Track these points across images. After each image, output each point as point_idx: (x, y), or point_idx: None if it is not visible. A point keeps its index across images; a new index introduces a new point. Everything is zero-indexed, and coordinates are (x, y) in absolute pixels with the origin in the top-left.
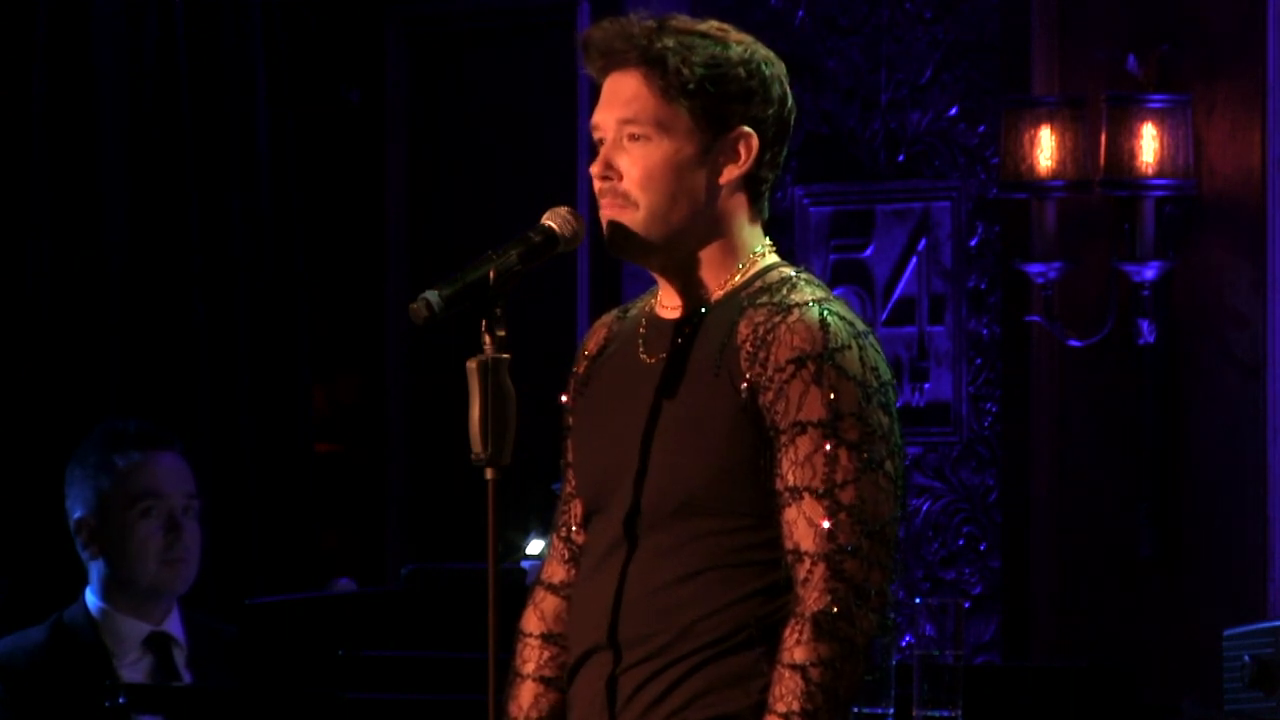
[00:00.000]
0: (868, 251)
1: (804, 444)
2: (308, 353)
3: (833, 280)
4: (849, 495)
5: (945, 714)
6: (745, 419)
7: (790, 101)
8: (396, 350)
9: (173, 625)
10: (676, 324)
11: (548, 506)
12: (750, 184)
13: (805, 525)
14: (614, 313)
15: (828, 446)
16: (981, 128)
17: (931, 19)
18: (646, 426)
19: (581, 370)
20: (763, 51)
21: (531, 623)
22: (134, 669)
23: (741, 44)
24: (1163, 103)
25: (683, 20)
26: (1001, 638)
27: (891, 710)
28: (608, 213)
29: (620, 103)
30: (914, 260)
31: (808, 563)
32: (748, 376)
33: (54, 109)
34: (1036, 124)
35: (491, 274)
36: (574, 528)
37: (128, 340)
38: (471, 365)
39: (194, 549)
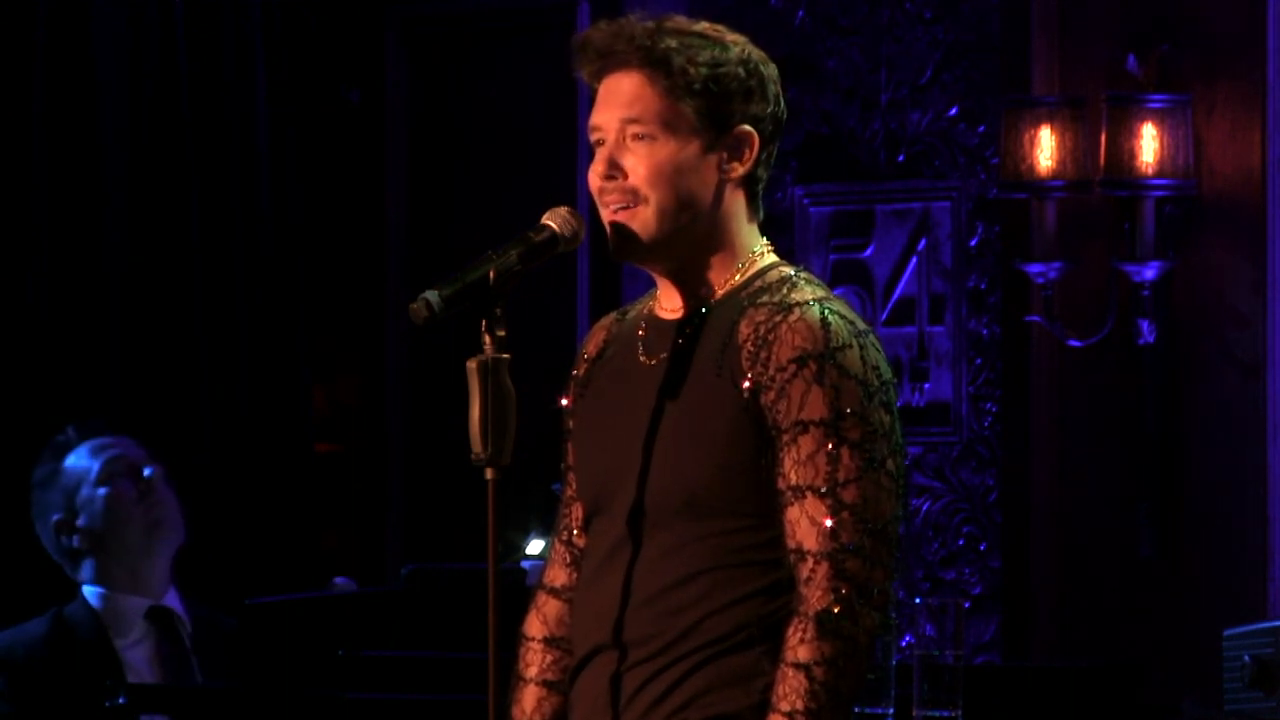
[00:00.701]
0: (868, 251)
1: (806, 443)
2: (308, 353)
3: (833, 280)
4: (851, 494)
5: (945, 714)
6: (747, 419)
7: (783, 101)
8: (396, 350)
9: (172, 600)
10: (677, 325)
11: (548, 507)
12: (749, 183)
13: (808, 524)
14: (613, 315)
15: (830, 446)
16: (981, 128)
17: (931, 19)
18: (648, 428)
19: (581, 373)
20: (758, 52)
21: (534, 626)
22: (137, 649)
23: (737, 44)
24: (1163, 103)
25: (680, 21)
26: (1001, 638)
27: (891, 710)
28: (611, 213)
29: (623, 103)
30: (914, 260)
31: (810, 562)
32: (749, 376)
33: (54, 109)
34: (1036, 124)
35: (491, 274)
36: (575, 531)
37: (128, 340)
38: (471, 365)
39: (170, 504)
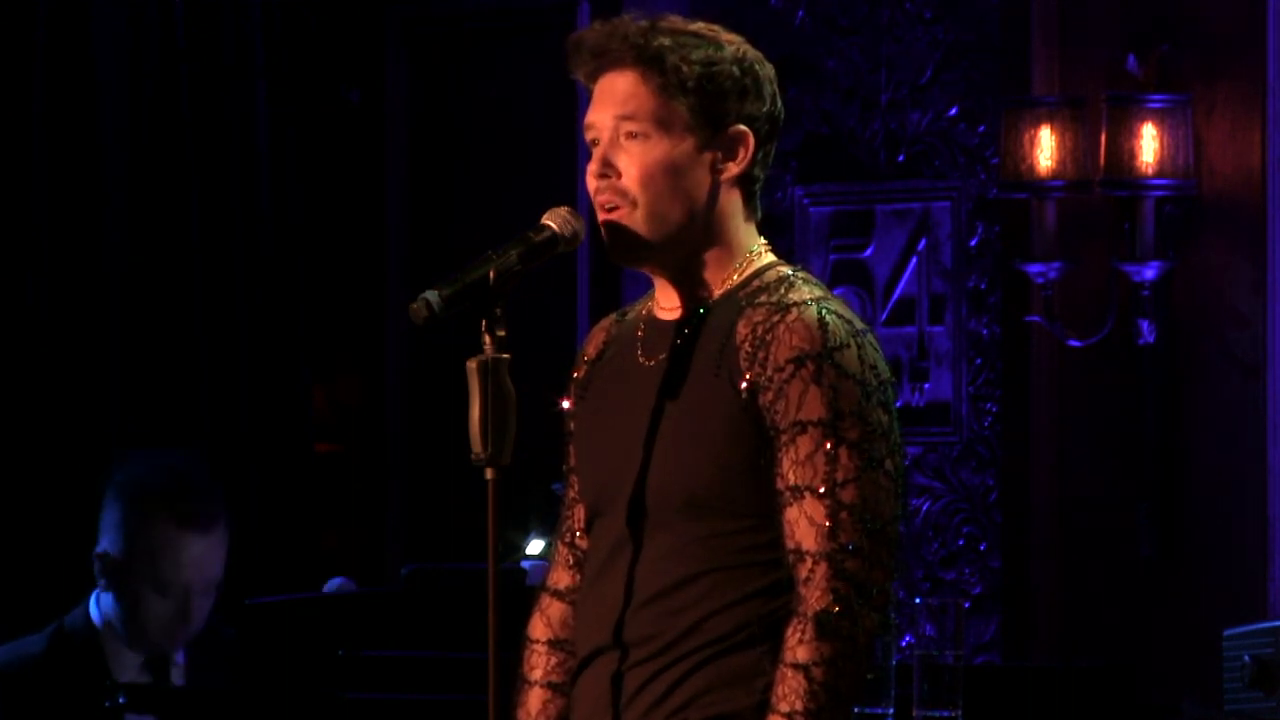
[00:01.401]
0: (868, 251)
1: (804, 443)
2: (308, 353)
3: (833, 280)
4: (850, 494)
5: (945, 714)
6: (746, 419)
7: (779, 101)
8: (396, 350)
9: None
10: (676, 325)
11: (548, 507)
12: (745, 183)
13: (807, 524)
14: (612, 316)
15: (828, 445)
16: (981, 128)
17: (931, 19)
18: (648, 428)
19: (581, 375)
20: (754, 51)
21: (538, 629)
22: (131, 670)
23: (733, 43)
24: (1163, 103)
25: (675, 20)
26: (1001, 638)
27: (891, 710)
28: (604, 214)
29: (617, 101)
30: (914, 260)
31: (809, 562)
32: (747, 376)
33: (54, 109)
34: (1036, 124)
35: (491, 274)
36: (577, 533)
37: (128, 340)
38: (471, 365)
39: (199, 622)
